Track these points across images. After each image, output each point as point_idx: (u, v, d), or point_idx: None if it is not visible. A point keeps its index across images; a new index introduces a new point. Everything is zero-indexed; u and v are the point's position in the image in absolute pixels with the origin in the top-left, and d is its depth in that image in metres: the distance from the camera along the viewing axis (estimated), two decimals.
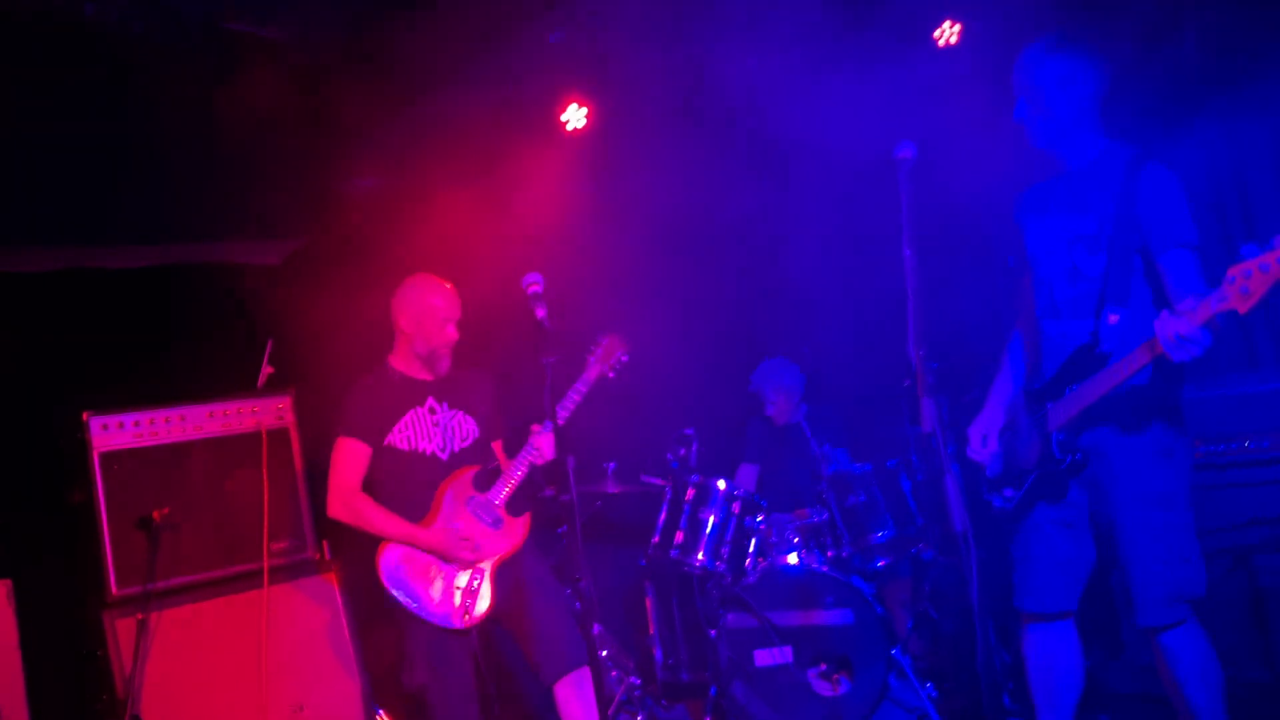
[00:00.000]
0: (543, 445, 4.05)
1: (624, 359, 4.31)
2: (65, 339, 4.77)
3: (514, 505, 4.06)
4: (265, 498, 4.39)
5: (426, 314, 4.07)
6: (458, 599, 3.90)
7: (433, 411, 4.13)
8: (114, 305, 4.99)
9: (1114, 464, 3.08)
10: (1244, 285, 2.47)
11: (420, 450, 4.07)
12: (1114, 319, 2.80)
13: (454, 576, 3.93)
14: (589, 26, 4.93)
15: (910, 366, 3.05)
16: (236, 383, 4.56)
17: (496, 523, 4.02)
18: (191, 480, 4.35)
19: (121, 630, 4.05)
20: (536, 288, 3.41)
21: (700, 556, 4.60)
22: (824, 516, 4.71)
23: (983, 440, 3.42)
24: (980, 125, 4.37)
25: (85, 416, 4.19)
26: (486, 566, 3.97)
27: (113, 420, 4.24)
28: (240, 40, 4.32)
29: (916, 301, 2.81)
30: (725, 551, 4.62)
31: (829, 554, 4.65)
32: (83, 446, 4.18)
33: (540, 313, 3.36)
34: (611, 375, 4.28)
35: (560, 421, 4.05)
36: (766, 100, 5.14)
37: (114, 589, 4.12)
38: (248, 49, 4.36)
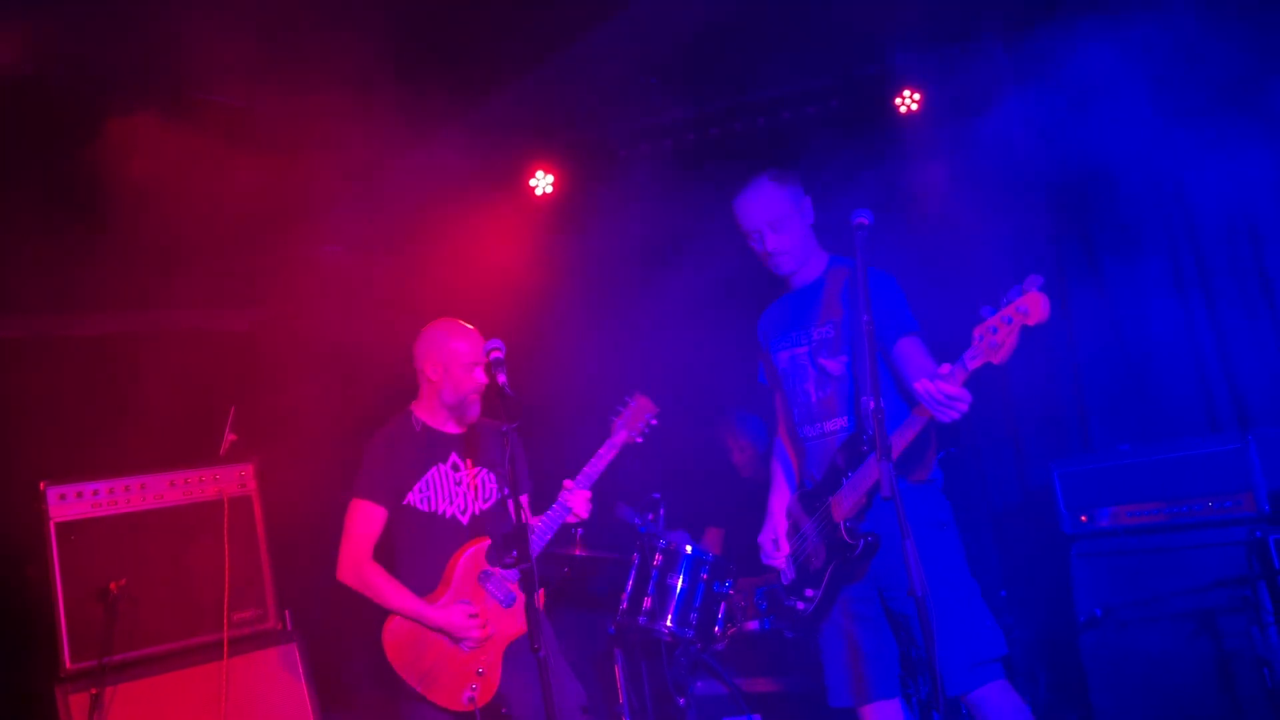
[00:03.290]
0: (575, 504, 3.82)
1: (654, 422, 3.99)
2: (26, 406, 4.71)
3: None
4: (226, 567, 4.32)
5: (452, 359, 3.83)
6: (464, 680, 3.68)
7: (455, 469, 3.91)
8: (77, 372, 4.95)
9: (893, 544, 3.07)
10: (991, 340, 2.69)
11: (440, 513, 3.84)
12: (872, 404, 2.89)
13: (462, 657, 3.71)
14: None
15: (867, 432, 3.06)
16: (199, 450, 4.51)
17: (509, 600, 3.78)
18: (151, 550, 4.27)
19: (75, 706, 3.93)
20: (498, 354, 3.32)
21: (669, 623, 4.51)
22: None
23: (774, 544, 3.56)
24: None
25: (43, 486, 4.13)
26: (496, 648, 3.75)
27: (70, 489, 4.16)
28: (205, 107, 4.35)
29: (872, 366, 2.85)
30: (694, 617, 4.53)
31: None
32: (39, 516, 4.10)
33: (501, 379, 3.30)
34: (640, 440, 3.97)
35: (588, 486, 3.88)
36: None
37: (68, 663, 4.01)
38: (213, 116, 4.39)
